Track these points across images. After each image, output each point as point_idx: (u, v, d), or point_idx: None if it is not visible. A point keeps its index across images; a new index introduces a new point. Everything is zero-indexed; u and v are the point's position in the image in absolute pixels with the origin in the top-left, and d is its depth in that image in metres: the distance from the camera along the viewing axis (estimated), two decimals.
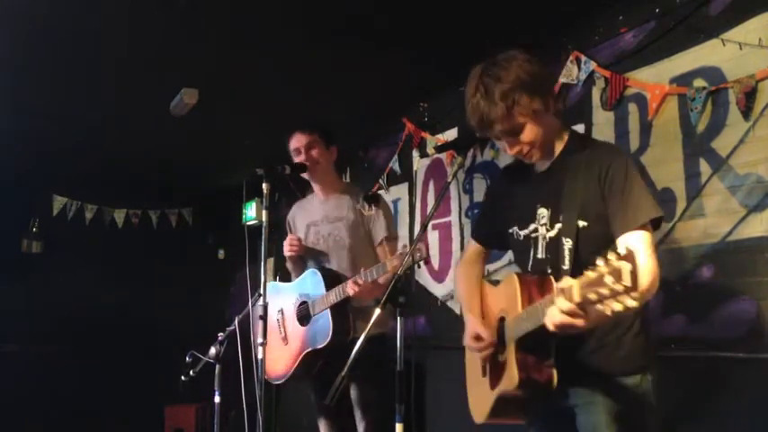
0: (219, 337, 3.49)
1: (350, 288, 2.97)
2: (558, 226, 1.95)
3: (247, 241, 3.33)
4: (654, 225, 1.87)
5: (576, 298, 1.52)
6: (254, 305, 2.97)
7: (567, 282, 1.57)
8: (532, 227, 2.03)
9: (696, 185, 2.94)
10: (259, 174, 2.99)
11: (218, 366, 3.48)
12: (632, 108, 3.27)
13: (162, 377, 5.09)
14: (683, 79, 3.03)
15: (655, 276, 1.75)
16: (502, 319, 2.01)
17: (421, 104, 4.80)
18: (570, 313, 1.57)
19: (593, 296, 1.47)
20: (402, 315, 2.01)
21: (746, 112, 2.74)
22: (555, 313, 1.61)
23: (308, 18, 3.48)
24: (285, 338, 3.32)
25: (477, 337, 2.05)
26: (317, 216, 3.36)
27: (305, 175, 3.29)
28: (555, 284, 1.63)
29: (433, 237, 4.67)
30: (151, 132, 5.32)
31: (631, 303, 1.41)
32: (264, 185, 2.96)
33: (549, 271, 1.95)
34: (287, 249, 3.31)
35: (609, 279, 1.42)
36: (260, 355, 2.87)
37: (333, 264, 3.26)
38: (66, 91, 4.43)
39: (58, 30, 3.53)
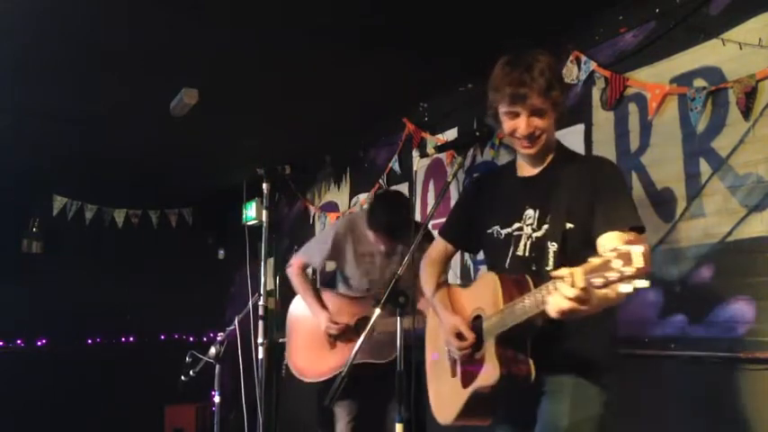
0: (219, 337, 3.50)
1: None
2: (546, 227, 2.01)
3: (247, 241, 3.32)
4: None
5: (580, 283, 1.57)
6: (253, 305, 2.97)
7: (564, 270, 1.61)
8: (516, 225, 2.08)
9: (696, 185, 2.94)
10: (259, 174, 3.00)
11: (217, 366, 3.48)
12: (632, 108, 3.26)
13: (162, 377, 5.09)
14: (683, 79, 3.02)
15: None
16: (477, 318, 2.06)
17: (421, 104, 4.80)
18: (575, 298, 1.61)
19: (598, 281, 1.52)
20: (402, 315, 2.01)
21: (746, 112, 2.74)
22: (559, 300, 1.65)
23: (307, 18, 3.48)
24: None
25: (460, 336, 2.08)
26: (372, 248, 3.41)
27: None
28: (554, 275, 1.68)
29: None
30: (151, 132, 5.31)
31: (641, 284, 1.46)
32: (264, 185, 2.97)
33: (534, 268, 2.00)
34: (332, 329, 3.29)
35: (617, 263, 1.47)
36: (260, 356, 2.87)
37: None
38: (66, 91, 4.42)
39: (58, 30, 3.52)
